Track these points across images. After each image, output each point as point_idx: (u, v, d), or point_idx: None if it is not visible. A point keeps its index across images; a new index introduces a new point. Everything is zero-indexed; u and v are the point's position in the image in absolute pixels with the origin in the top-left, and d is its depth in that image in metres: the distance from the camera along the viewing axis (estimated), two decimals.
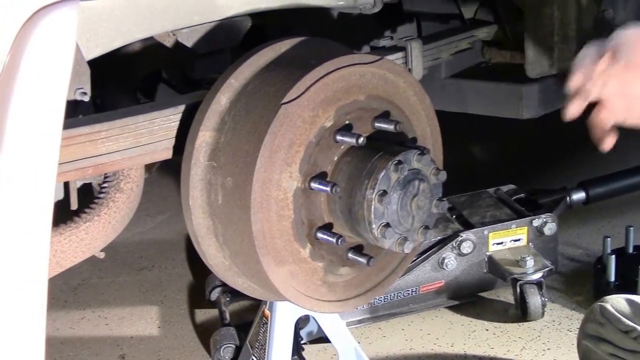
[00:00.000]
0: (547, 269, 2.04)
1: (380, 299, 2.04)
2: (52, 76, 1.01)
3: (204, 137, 1.34)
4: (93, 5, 1.32)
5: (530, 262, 2.03)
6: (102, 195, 1.42)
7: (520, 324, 2.06)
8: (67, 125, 1.10)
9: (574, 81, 1.24)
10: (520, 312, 2.07)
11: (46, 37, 0.99)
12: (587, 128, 1.25)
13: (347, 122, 1.34)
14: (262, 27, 1.76)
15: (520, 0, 1.96)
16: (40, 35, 0.98)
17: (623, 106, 1.22)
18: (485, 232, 2.08)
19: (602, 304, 1.41)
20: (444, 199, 1.39)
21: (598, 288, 2.12)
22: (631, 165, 2.37)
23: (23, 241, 1.02)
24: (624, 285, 2.02)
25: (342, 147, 1.34)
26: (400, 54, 1.74)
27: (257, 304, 1.76)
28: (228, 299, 2.09)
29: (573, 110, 1.26)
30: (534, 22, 1.80)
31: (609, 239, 2.14)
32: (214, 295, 2.11)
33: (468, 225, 2.11)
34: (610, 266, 2.07)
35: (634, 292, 1.73)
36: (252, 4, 1.54)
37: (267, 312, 1.64)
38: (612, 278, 2.07)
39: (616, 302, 1.40)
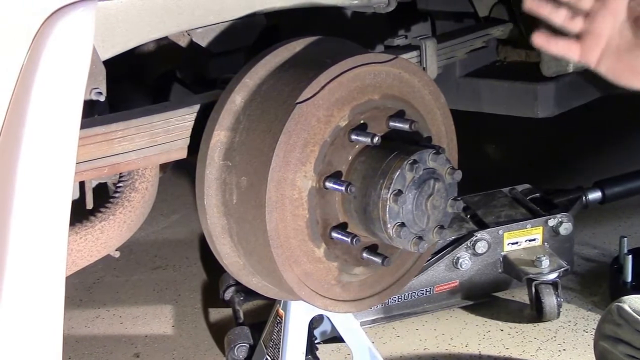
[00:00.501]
0: (562, 269, 2.03)
1: (394, 298, 2.03)
2: (70, 76, 1.02)
3: (219, 136, 1.34)
4: (109, 5, 1.33)
5: (545, 262, 2.01)
6: (117, 195, 1.43)
7: (536, 324, 2.05)
8: (83, 125, 1.10)
9: None
10: (535, 313, 2.06)
11: (64, 38, 1.00)
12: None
13: (361, 121, 1.33)
14: (277, 26, 1.77)
15: None
16: (58, 35, 0.99)
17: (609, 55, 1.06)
18: (500, 232, 2.07)
19: (619, 304, 1.40)
20: (459, 198, 1.38)
21: (614, 288, 2.10)
22: None
23: (42, 240, 1.03)
24: None
25: (357, 146, 1.33)
26: (414, 53, 1.73)
27: (271, 303, 1.77)
28: (242, 298, 2.10)
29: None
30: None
31: (625, 238, 2.12)
32: (228, 294, 2.12)
33: (483, 225, 2.10)
34: (627, 266, 2.05)
35: None
36: (267, 3, 1.54)
37: (281, 311, 1.64)
38: (629, 278, 2.05)
39: (634, 303, 1.39)
